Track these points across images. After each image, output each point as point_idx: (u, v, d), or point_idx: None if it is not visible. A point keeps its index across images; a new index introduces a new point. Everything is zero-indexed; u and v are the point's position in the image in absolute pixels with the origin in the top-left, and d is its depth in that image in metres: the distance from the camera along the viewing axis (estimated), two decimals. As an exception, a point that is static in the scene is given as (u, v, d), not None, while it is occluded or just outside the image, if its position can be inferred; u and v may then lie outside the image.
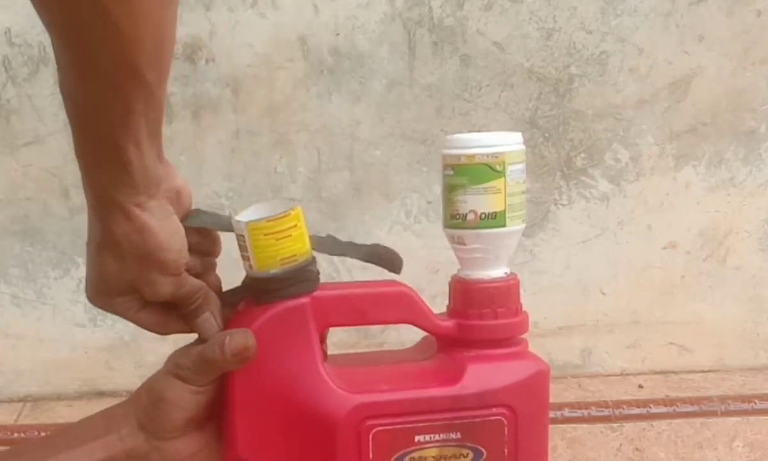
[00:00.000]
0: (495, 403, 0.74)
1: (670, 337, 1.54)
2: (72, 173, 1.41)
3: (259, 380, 0.72)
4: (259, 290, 0.73)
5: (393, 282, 0.77)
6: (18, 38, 1.38)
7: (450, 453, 0.74)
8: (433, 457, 0.73)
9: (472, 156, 0.74)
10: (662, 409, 1.43)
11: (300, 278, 0.72)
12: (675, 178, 1.50)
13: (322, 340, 0.77)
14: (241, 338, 0.71)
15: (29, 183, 1.41)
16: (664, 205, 1.50)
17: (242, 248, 0.72)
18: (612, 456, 1.42)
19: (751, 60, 1.47)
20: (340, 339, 1.33)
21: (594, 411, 1.42)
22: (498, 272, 0.77)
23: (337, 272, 1.46)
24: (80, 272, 1.42)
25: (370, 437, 0.72)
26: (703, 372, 1.55)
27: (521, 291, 0.78)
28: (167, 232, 0.70)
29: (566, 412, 1.41)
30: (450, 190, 0.76)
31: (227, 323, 0.75)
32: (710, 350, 1.55)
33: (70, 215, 1.42)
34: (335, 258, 1.46)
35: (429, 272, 1.44)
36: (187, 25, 1.39)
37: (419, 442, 0.73)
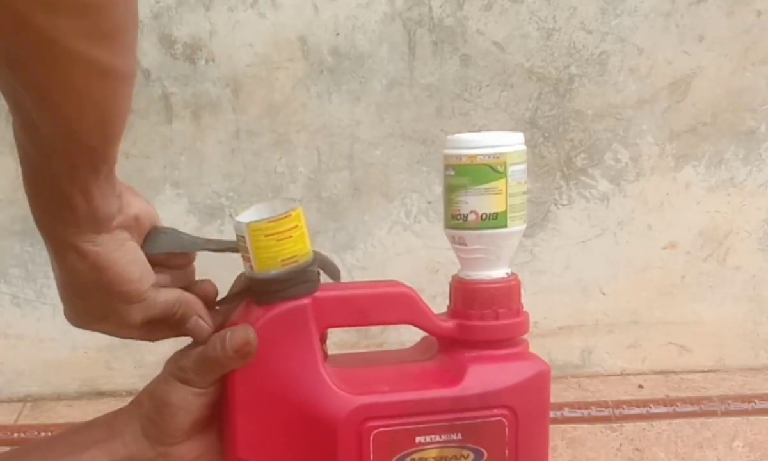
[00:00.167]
0: (496, 404, 0.74)
1: (670, 337, 1.54)
2: (72, 173, 1.41)
3: (260, 381, 0.72)
4: (260, 291, 0.72)
5: (394, 283, 0.77)
6: (18, 38, 1.37)
7: (451, 454, 0.74)
8: (433, 458, 0.73)
9: (474, 156, 0.74)
10: (662, 409, 1.43)
11: (301, 279, 0.72)
12: (675, 178, 1.50)
13: (323, 340, 0.77)
14: (241, 334, 0.71)
15: (29, 183, 1.41)
16: (664, 205, 1.50)
17: (243, 249, 0.72)
18: (612, 456, 1.42)
19: (751, 60, 1.47)
20: (341, 339, 1.33)
21: (594, 411, 1.42)
22: (499, 272, 0.77)
23: (337, 272, 1.46)
24: (80, 272, 1.42)
25: (371, 438, 0.72)
26: (703, 372, 1.55)
27: (521, 291, 0.78)
28: (123, 263, 0.69)
29: (566, 412, 1.41)
30: (451, 190, 0.75)
31: (228, 325, 0.74)
32: (710, 350, 1.55)
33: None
34: (335, 258, 1.46)
35: (429, 272, 1.44)
36: (187, 25, 1.39)
37: (420, 443, 0.73)
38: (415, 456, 0.73)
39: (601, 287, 1.52)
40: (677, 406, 1.43)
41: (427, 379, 0.75)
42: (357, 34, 1.42)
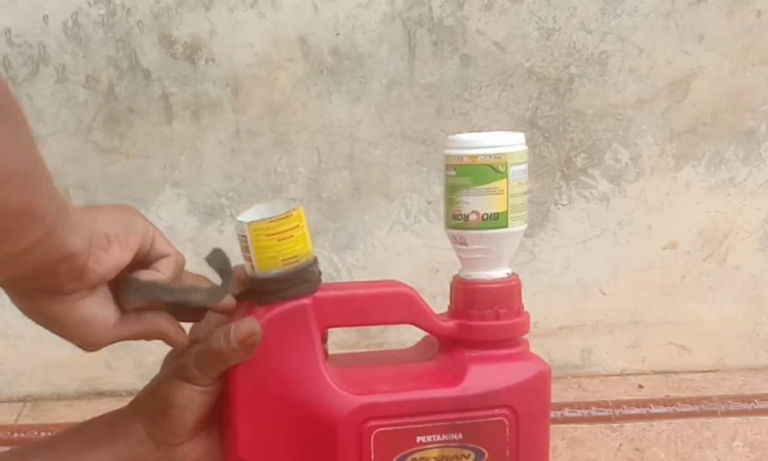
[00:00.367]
0: (497, 404, 0.74)
1: (670, 337, 1.54)
2: (72, 173, 1.41)
3: (261, 380, 0.72)
4: (261, 291, 0.73)
5: (394, 283, 0.77)
6: (18, 38, 1.38)
7: (452, 454, 0.74)
8: (434, 458, 0.73)
9: (475, 157, 0.74)
10: (662, 409, 1.43)
11: (302, 279, 0.72)
12: (675, 178, 1.50)
13: (323, 340, 0.77)
14: (247, 326, 0.71)
15: (29, 183, 1.41)
16: (664, 205, 1.50)
17: (244, 248, 0.72)
18: (612, 456, 1.42)
19: (751, 60, 1.47)
20: (341, 339, 1.33)
21: (594, 411, 1.42)
22: (500, 272, 0.77)
23: (338, 272, 1.46)
24: (80, 272, 1.42)
25: (372, 438, 0.72)
26: (703, 372, 1.55)
27: (522, 291, 0.78)
28: (76, 324, 0.68)
29: (566, 412, 1.41)
30: (452, 190, 0.76)
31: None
32: (710, 350, 1.55)
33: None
34: (335, 258, 1.46)
35: (429, 272, 1.44)
36: (187, 25, 1.39)
37: (421, 443, 0.73)
38: (416, 455, 0.73)
39: (601, 287, 1.52)
40: (677, 406, 1.43)
41: (428, 379, 0.75)
42: (357, 34, 1.42)
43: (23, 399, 1.46)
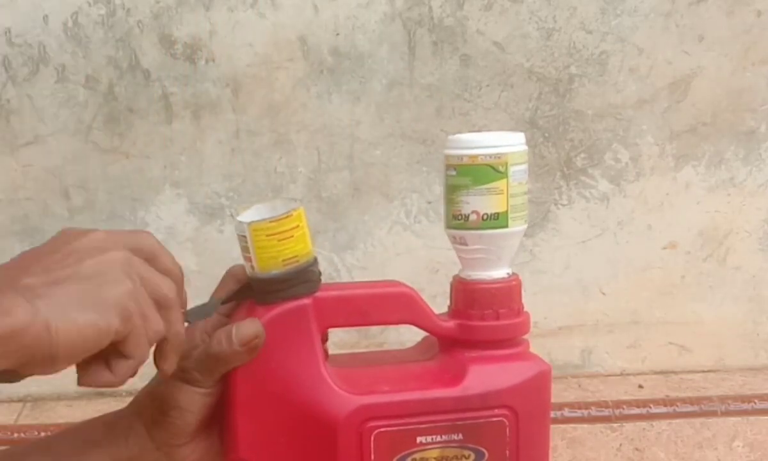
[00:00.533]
0: (497, 404, 0.74)
1: (670, 337, 1.54)
2: (72, 172, 1.41)
3: (261, 381, 0.72)
4: (261, 291, 0.72)
5: (394, 283, 0.77)
6: (18, 38, 1.38)
7: (452, 454, 0.74)
8: (434, 458, 0.73)
9: (475, 157, 0.74)
10: (662, 409, 1.43)
11: (302, 279, 0.72)
12: (675, 178, 1.50)
13: (324, 340, 0.77)
14: (250, 327, 0.71)
15: (29, 183, 1.41)
16: (664, 205, 1.50)
17: (244, 248, 0.72)
18: (612, 456, 1.42)
19: (751, 60, 1.47)
20: (341, 339, 1.33)
21: (594, 411, 1.42)
22: (500, 272, 0.77)
23: (338, 272, 1.46)
24: (80, 272, 1.42)
25: (372, 438, 0.72)
26: (703, 372, 1.55)
27: (522, 291, 0.78)
28: None
29: (566, 412, 1.41)
30: (452, 190, 0.75)
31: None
32: (710, 350, 1.55)
33: (70, 215, 1.42)
34: (335, 258, 1.46)
35: (429, 272, 1.44)
36: (187, 25, 1.39)
37: (421, 443, 0.73)
38: (417, 456, 0.73)
39: (601, 287, 1.52)
40: (677, 406, 1.43)
41: (428, 379, 0.75)
42: (357, 34, 1.42)
43: (23, 399, 1.46)
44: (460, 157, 0.74)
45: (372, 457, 0.72)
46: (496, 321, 0.76)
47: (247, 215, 0.72)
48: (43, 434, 1.32)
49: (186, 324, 0.69)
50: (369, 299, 0.75)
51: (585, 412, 1.42)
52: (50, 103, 1.40)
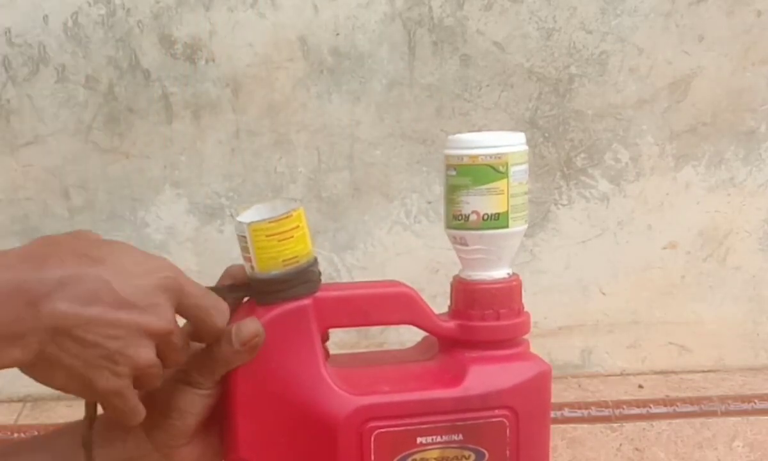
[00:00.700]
0: (497, 405, 0.74)
1: (670, 337, 1.54)
2: (72, 172, 1.41)
3: (261, 381, 0.72)
4: (261, 292, 0.72)
5: (394, 283, 0.77)
6: (18, 38, 1.38)
7: (452, 455, 0.73)
8: (435, 459, 0.73)
9: (476, 157, 0.74)
10: (662, 409, 1.43)
11: (302, 280, 0.72)
12: (675, 178, 1.50)
13: (324, 340, 0.76)
14: (250, 327, 0.70)
15: (29, 183, 1.41)
16: (664, 205, 1.50)
17: (243, 249, 0.72)
18: (612, 456, 1.42)
19: (751, 60, 1.47)
20: (341, 339, 1.33)
21: (594, 411, 1.42)
22: (500, 272, 0.77)
23: (338, 272, 1.46)
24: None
25: (372, 439, 0.72)
26: (703, 372, 1.55)
27: (522, 292, 0.78)
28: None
29: (566, 412, 1.41)
30: (452, 190, 0.75)
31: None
32: (710, 350, 1.55)
33: (70, 215, 1.42)
34: (335, 258, 1.46)
35: (429, 272, 1.44)
36: (187, 25, 1.39)
37: (421, 444, 0.73)
38: (417, 456, 0.73)
39: (601, 287, 1.52)
40: (677, 406, 1.43)
41: (429, 380, 0.75)
42: (357, 34, 1.42)
43: (23, 399, 1.46)
44: (461, 157, 0.74)
45: (372, 458, 0.72)
46: (497, 322, 0.76)
47: (247, 216, 0.71)
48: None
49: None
50: (369, 299, 0.75)
51: (585, 412, 1.42)
52: (50, 103, 1.40)
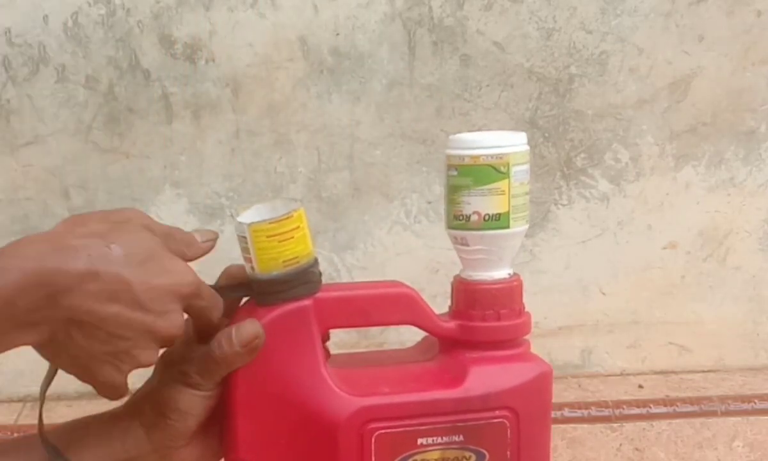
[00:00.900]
0: (498, 405, 0.74)
1: (670, 337, 1.54)
2: (72, 172, 1.41)
3: (262, 382, 0.72)
4: (261, 292, 0.72)
5: (395, 283, 0.77)
6: (18, 38, 1.37)
7: (453, 456, 0.73)
8: (435, 460, 0.73)
9: (477, 157, 0.74)
10: (662, 409, 1.43)
11: (302, 280, 0.72)
12: (675, 178, 1.50)
13: (325, 340, 0.76)
14: (249, 328, 0.70)
15: (29, 183, 1.41)
16: (664, 205, 1.50)
17: (244, 249, 0.71)
18: (612, 456, 1.42)
19: (751, 60, 1.47)
20: (341, 339, 1.33)
21: (594, 411, 1.42)
22: (501, 273, 0.77)
23: (338, 272, 1.46)
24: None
25: (373, 440, 0.72)
26: (703, 372, 1.55)
27: (523, 292, 0.78)
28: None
29: (566, 412, 1.41)
30: (453, 190, 0.75)
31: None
32: (710, 350, 1.55)
33: (70, 215, 1.41)
34: (335, 258, 1.46)
35: (429, 272, 1.44)
36: (187, 25, 1.39)
37: (422, 445, 0.73)
38: (417, 457, 0.73)
39: (601, 287, 1.52)
40: (677, 406, 1.43)
41: (429, 380, 0.75)
42: (357, 34, 1.42)
43: (23, 399, 1.46)
44: (462, 157, 0.74)
45: (373, 459, 0.72)
46: (498, 322, 0.75)
47: (247, 216, 0.71)
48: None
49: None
50: (369, 299, 0.75)
51: (585, 412, 1.42)
52: (50, 103, 1.39)
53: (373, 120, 1.44)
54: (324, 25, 1.41)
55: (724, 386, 1.50)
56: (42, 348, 0.66)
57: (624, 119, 1.47)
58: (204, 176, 1.43)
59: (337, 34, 1.41)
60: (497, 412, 0.74)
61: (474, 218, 0.75)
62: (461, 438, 0.73)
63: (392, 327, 1.40)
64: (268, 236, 0.70)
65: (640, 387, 1.51)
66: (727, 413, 1.43)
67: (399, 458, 0.73)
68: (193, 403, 0.71)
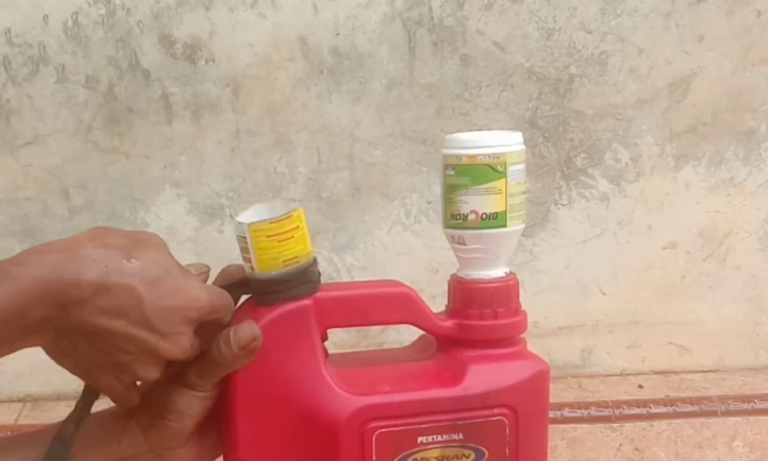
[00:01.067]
0: (497, 403, 0.74)
1: (670, 337, 1.54)
2: (72, 172, 1.41)
3: (262, 382, 0.72)
4: (261, 292, 0.72)
5: (394, 282, 0.77)
6: (18, 38, 1.38)
7: (452, 454, 0.73)
8: (435, 458, 0.73)
9: (474, 156, 0.74)
10: (662, 409, 1.43)
11: (302, 280, 0.72)
12: (675, 178, 1.50)
13: (323, 339, 0.76)
14: (247, 330, 0.70)
15: (29, 183, 1.41)
16: (664, 205, 1.50)
17: (243, 249, 0.71)
18: (612, 456, 1.42)
19: (751, 60, 1.47)
20: (341, 339, 1.33)
21: (594, 411, 1.42)
22: (498, 272, 0.77)
23: (338, 272, 1.46)
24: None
25: (373, 439, 0.72)
26: (703, 372, 1.55)
27: (521, 291, 0.78)
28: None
29: (566, 412, 1.41)
30: (451, 190, 0.75)
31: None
32: (710, 350, 1.55)
33: (70, 215, 1.42)
34: (335, 258, 1.46)
35: (429, 272, 1.44)
36: (187, 25, 1.39)
37: (422, 443, 0.73)
38: (417, 456, 0.73)
39: (601, 287, 1.52)
40: (677, 406, 1.43)
41: (429, 379, 0.75)
42: (357, 34, 1.42)
43: (23, 399, 1.47)
44: (459, 157, 0.74)
45: (373, 457, 0.72)
46: (495, 320, 0.76)
47: (247, 216, 0.71)
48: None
49: None
50: (368, 299, 0.75)
51: (585, 412, 1.42)
52: (50, 103, 1.40)
53: (373, 120, 1.44)
54: (324, 25, 1.41)
55: (724, 386, 1.50)
56: (46, 349, 0.67)
57: (624, 119, 1.47)
58: (204, 176, 1.43)
59: (337, 34, 1.42)
60: (496, 410, 0.74)
61: (471, 217, 0.75)
62: (461, 436, 0.74)
63: (392, 327, 1.40)
64: (267, 236, 0.70)
65: (640, 387, 1.51)
66: (727, 413, 1.43)
67: (399, 456, 0.73)
68: (190, 404, 0.71)
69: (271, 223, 0.70)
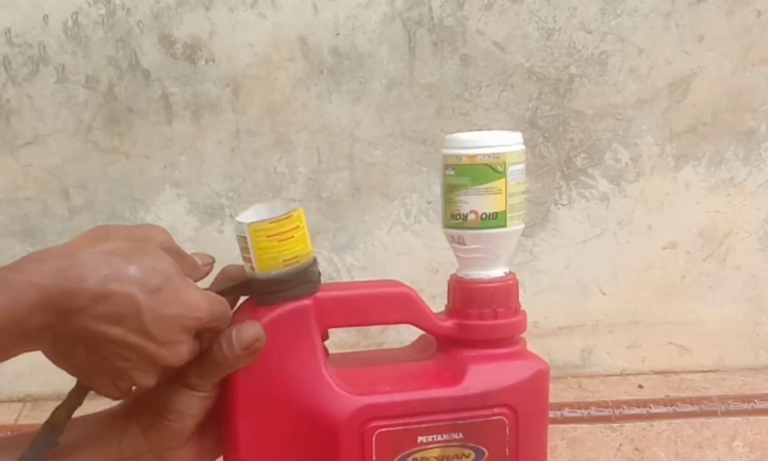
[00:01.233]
0: (497, 403, 0.74)
1: (670, 337, 1.54)
2: (72, 172, 1.41)
3: (262, 382, 0.72)
4: (261, 292, 0.72)
5: (394, 282, 0.77)
6: (18, 38, 1.38)
7: (452, 454, 0.73)
8: (435, 458, 0.73)
9: (474, 156, 0.74)
10: (662, 409, 1.43)
11: (302, 280, 0.72)
12: (675, 178, 1.50)
13: (323, 339, 0.76)
14: (251, 330, 0.70)
15: (29, 183, 1.41)
16: (664, 205, 1.50)
17: (243, 249, 0.71)
18: (612, 456, 1.42)
19: (751, 60, 1.47)
20: (341, 339, 1.33)
21: (594, 411, 1.42)
22: (497, 271, 0.77)
23: (338, 272, 1.46)
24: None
25: (374, 438, 0.72)
26: (703, 372, 1.55)
27: (521, 291, 0.78)
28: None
29: (566, 412, 1.41)
30: (450, 190, 0.75)
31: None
32: (710, 350, 1.55)
33: (70, 215, 1.42)
34: (335, 258, 1.46)
35: (429, 272, 1.44)
36: (187, 25, 1.39)
37: (422, 443, 0.73)
38: (417, 455, 0.73)
39: (601, 287, 1.52)
40: (677, 406, 1.43)
41: (429, 379, 0.75)
42: (357, 34, 1.42)
43: (23, 399, 1.46)
44: (459, 157, 0.74)
45: (373, 457, 0.72)
46: (495, 320, 0.76)
47: (247, 216, 0.71)
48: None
49: None
50: (368, 299, 0.75)
51: (585, 412, 1.42)
52: (50, 103, 1.40)
53: (373, 120, 1.44)
54: (324, 25, 1.41)
55: (724, 386, 1.50)
56: (44, 352, 0.68)
57: (624, 119, 1.47)
58: (204, 176, 1.43)
59: (337, 34, 1.42)
60: (496, 410, 0.74)
61: (471, 217, 0.75)
62: (461, 435, 0.74)
63: (392, 327, 1.40)
64: (267, 236, 0.70)
65: (640, 387, 1.51)
66: (727, 413, 1.43)
67: (399, 456, 0.73)
68: (191, 404, 0.71)
69: (271, 223, 0.70)
